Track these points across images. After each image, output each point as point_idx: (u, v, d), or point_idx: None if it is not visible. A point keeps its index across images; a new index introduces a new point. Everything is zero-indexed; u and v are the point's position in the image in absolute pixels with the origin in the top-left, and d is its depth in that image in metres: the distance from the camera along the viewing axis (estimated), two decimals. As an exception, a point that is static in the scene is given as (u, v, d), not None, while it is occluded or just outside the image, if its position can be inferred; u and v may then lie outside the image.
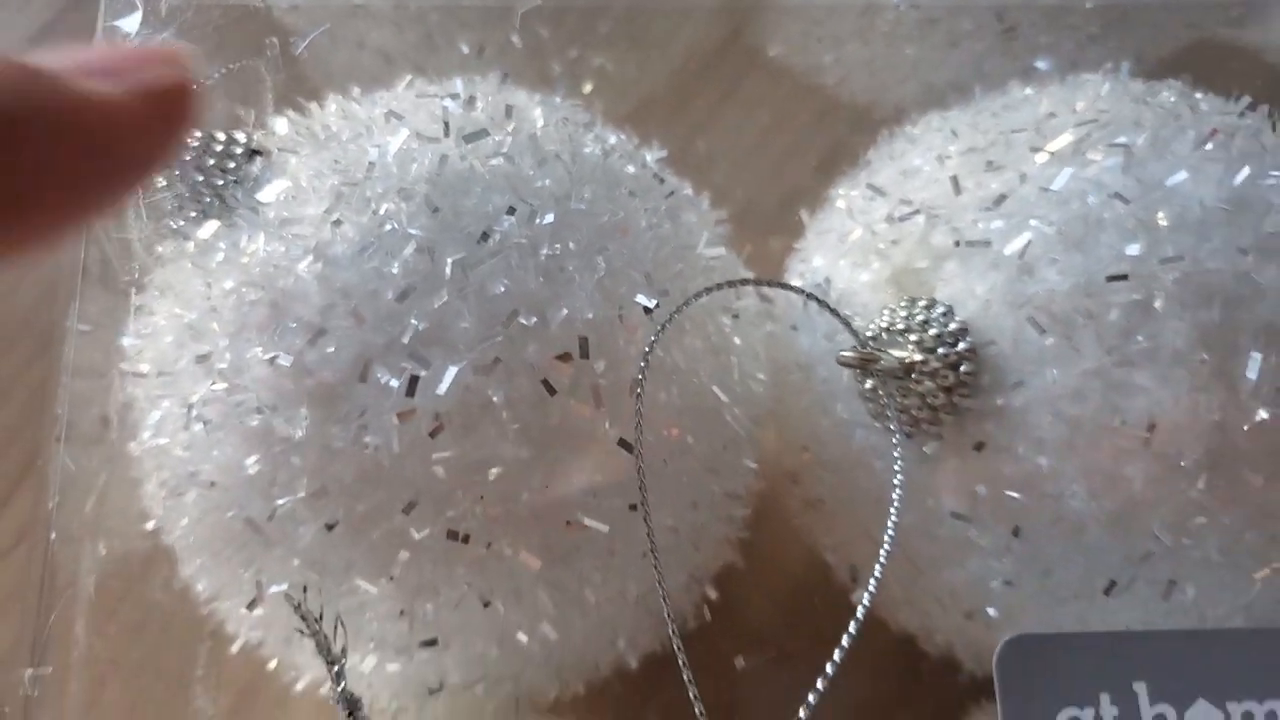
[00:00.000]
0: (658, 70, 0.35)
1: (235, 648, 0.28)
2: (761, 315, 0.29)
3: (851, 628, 0.23)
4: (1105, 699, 0.21)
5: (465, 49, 0.31)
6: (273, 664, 0.28)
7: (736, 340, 0.27)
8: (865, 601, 0.23)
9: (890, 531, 0.23)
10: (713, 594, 0.29)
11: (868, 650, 0.32)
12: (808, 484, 0.29)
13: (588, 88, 0.33)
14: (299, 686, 0.28)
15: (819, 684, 0.22)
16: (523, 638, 0.25)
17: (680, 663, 0.22)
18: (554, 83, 0.32)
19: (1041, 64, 0.31)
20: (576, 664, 0.27)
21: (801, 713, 0.22)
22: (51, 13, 0.42)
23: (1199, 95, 0.28)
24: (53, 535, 0.27)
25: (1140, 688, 0.21)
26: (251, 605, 0.25)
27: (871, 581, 0.23)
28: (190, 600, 0.28)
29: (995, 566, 0.26)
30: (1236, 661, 0.22)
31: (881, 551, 0.23)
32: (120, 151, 0.17)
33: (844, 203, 0.29)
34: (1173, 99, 0.27)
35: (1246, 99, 0.28)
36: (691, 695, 0.22)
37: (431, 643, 0.24)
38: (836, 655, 0.22)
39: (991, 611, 0.26)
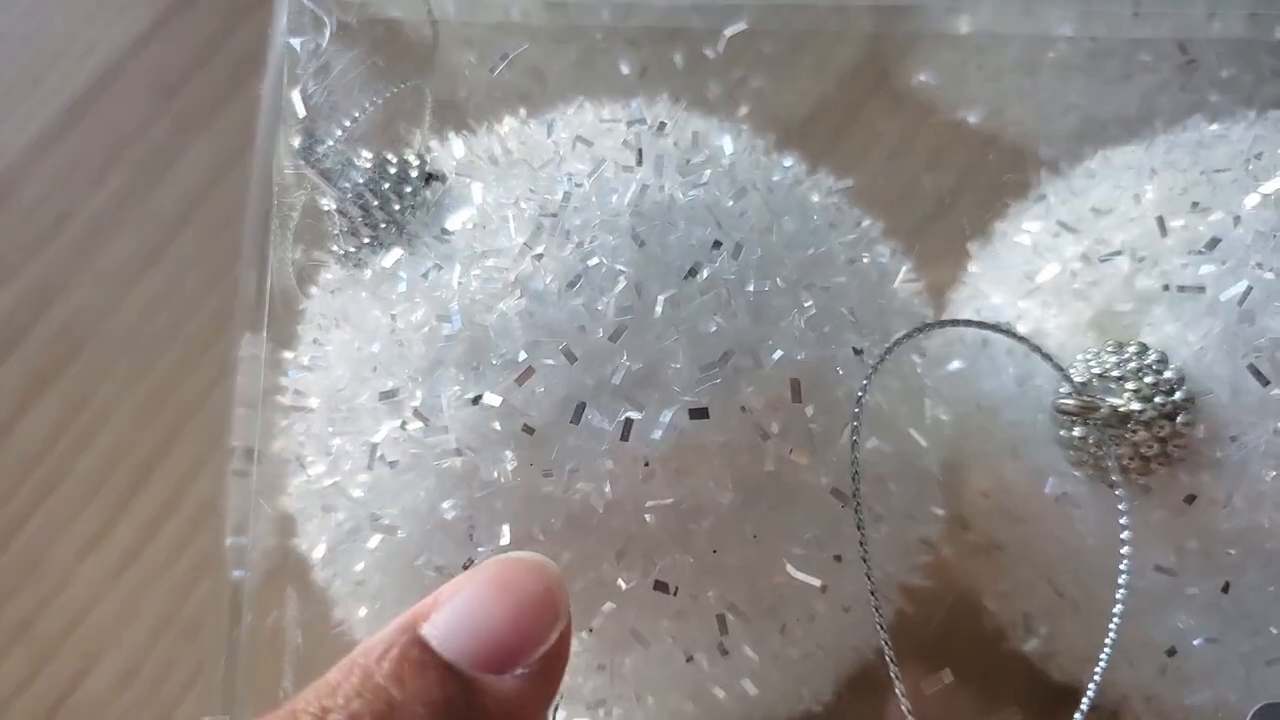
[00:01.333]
0: (806, 96, 0.34)
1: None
2: (942, 356, 0.28)
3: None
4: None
5: (625, 69, 0.30)
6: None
7: (927, 381, 0.26)
8: (1097, 673, 0.21)
9: (1121, 596, 0.22)
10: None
11: (1024, 695, 0.31)
12: (983, 529, 0.28)
13: (743, 110, 0.32)
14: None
15: None
16: (720, 693, 0.23)
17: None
18: (710, 105, 0.31)
19: (1213, 98, 0.31)
20: (761, 716, 0.26)
21: None
22: (219, 24, 0.41)
23: None
24: (236, 573, 0.26)
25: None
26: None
27: (1104, 653, 0.22)
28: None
29: (1199, 623, 0.25)
30: None
31: (1112, 624, 0.22)
32: None
33: (1027, 238, 0.28)
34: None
35: None
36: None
37: (626, 697, 0.23)
38: None
39: (1189, 666, 0.25)
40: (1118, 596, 0.22)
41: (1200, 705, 0.26)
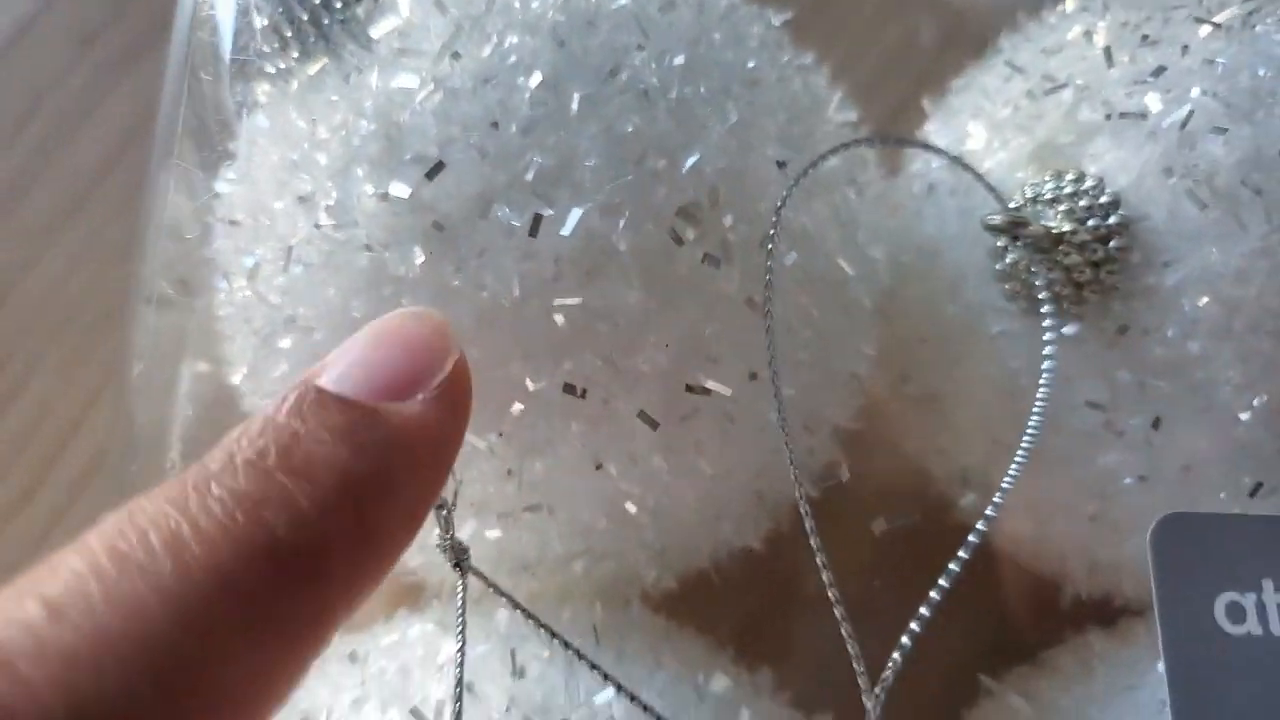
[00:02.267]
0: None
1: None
2: (882, 197, 0.27)
3: (966, 548, 0.21)
4: (1269, 584, 0.20)
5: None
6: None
7: (861, 217, 0.26)
8: (995, 504, 0.21)
9: (1035, 419, 0.21)
10: (813, 492, 0.28)
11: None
12: (921, 379, 0.28)
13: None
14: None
15: (924, 609, 0.21)
16: (632, 508, 0.23)
17: (808, 528, 0.21)
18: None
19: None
20: (681, 546, 0.25)
21: (904, 639, 0.21)
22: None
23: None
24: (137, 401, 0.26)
25: (1312, 574, 0.20)
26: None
27: (1007, 479, 0.21)
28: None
29: (1130, 461, 0.24)
30: None
31: (1024, 438, 0.21)
32: (439, 461, 0.18)
33: (976, 86, 0.27)
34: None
35: None
36: (823, 569, 0.21)
37: (535, 507, 0.23)
38: (945, 580, 0.21)
39: (1120, 512, 0.25)
40: (1035, 409, 0.21)
41: (1134, 557, 0.26)
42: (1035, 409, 0.21)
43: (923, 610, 0.21)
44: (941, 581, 0.21)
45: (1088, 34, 0.26)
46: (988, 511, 0.21)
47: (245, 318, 0.25)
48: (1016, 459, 0.21)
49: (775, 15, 0.27)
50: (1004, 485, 0.21)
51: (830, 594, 0.21)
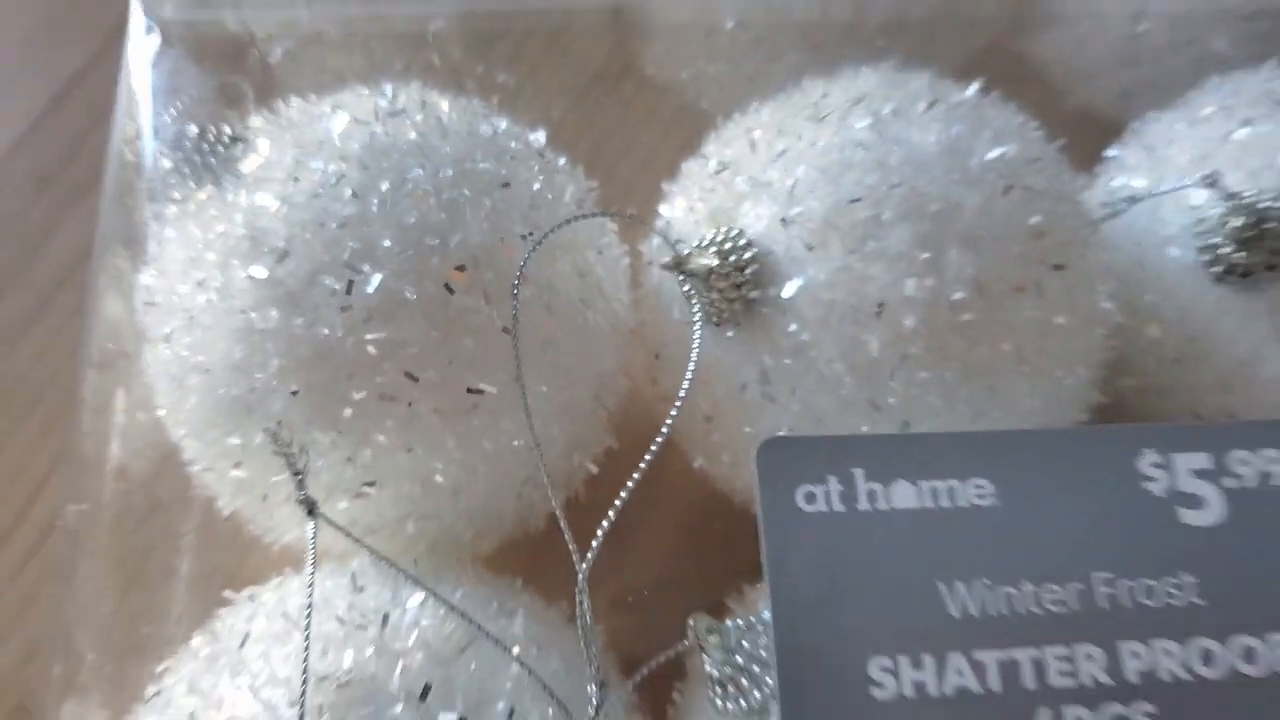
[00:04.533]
0: (552, 87, 0.45)
1: (227, 511, 0.36)
2: (623, 253, 0.38)
3: (647, 456, 0.32)
4: (832, 480, 0.30)
5: (398, 68, 0.41)
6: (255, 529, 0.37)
7: (600, 270, 0.37)
8: (664, 430, 0.32)
9: (685, 386, 0.32)
10: (593, 468, 0.38)
11: (681, 501, 0.41)
12: (663, 378, 0.38)
13: (494, 101, 0.42)
14: (276, 548, 0.37)
15: (611, 513, 0.31)
16: (439, 479, 0.34)
17: (557, 514, 0.31)
18: (469, 97, 0.41)
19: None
20: (483, 509, 0.36)
21: (599, 531, 0.31)
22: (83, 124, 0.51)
23: (943, 81, 0.38)
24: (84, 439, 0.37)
25: (858, 472, 0.30)
26: (238, 465, 0.34)
27: (666, 424, 0.32)
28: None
29: (783, 419, 0.35)
30: (932, 455, 0.31)
31: (678, 399, 0.32)
32: None
33: (685, 171, 0.39)
34: (918, 82, 0.37)
35: (978, 83, 0.38)
36: (571, 548, 0.31)
37: (370, 484, 0.33)
38: (631, 483, 0.32)
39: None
40: (685, 376, 0.32)
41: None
42: (683, 386, 0.32)
43: (617, 502, 0.31)
44: (630, 483, 0.31)
45: (748, 130, 0.37)
46: (664, 430, 0.31)
47: (164, 367, 0.35)
48: (668, 419, 0.32)
49: (534, 133, 0.38)
50: (662, 432, 0.31)
51: (565, 535, 0.31)
